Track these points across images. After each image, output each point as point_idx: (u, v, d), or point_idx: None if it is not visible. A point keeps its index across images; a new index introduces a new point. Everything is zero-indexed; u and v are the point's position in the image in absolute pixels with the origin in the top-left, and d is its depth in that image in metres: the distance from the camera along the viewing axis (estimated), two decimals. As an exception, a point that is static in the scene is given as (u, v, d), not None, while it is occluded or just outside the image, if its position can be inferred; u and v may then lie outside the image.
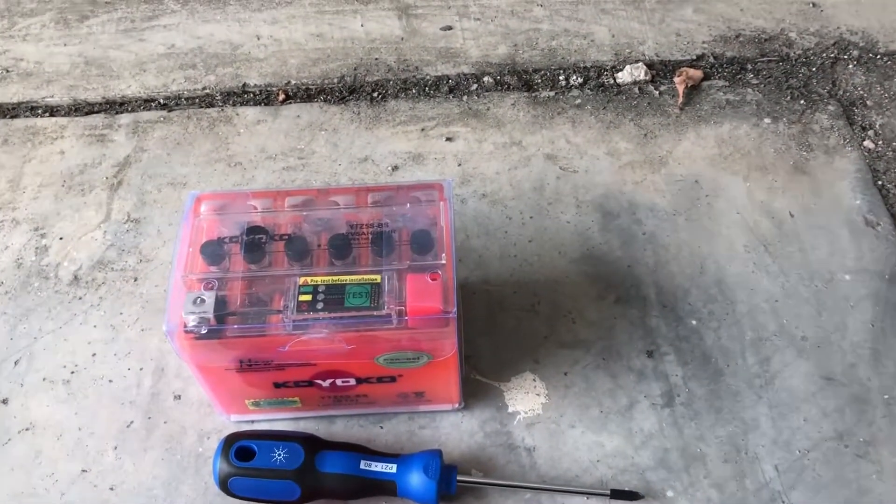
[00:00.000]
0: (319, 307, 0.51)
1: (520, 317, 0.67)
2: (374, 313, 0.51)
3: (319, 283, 0.53)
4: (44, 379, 0.65)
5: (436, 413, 0.62)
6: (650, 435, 0.61)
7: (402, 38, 0.88)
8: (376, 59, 0.86)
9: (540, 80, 0.83)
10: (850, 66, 0.83)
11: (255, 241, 0.55)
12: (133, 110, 0.84)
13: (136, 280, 0.70)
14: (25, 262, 0.72)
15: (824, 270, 0.69)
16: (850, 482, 0.58)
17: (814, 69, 0.83)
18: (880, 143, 0.77)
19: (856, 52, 0.84)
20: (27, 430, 0.62)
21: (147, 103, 0.84)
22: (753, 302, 0.67)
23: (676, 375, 0.63)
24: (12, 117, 0.83)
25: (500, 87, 0.83)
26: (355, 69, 0.85)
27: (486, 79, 0.84)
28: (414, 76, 0.84)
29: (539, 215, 0.73)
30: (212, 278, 0.53)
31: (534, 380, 0.64)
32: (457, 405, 0.62)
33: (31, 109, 0.84)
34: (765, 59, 0.84)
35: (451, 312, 0.51)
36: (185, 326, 0.51)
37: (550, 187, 0.75)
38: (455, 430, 0.61)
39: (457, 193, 0.74)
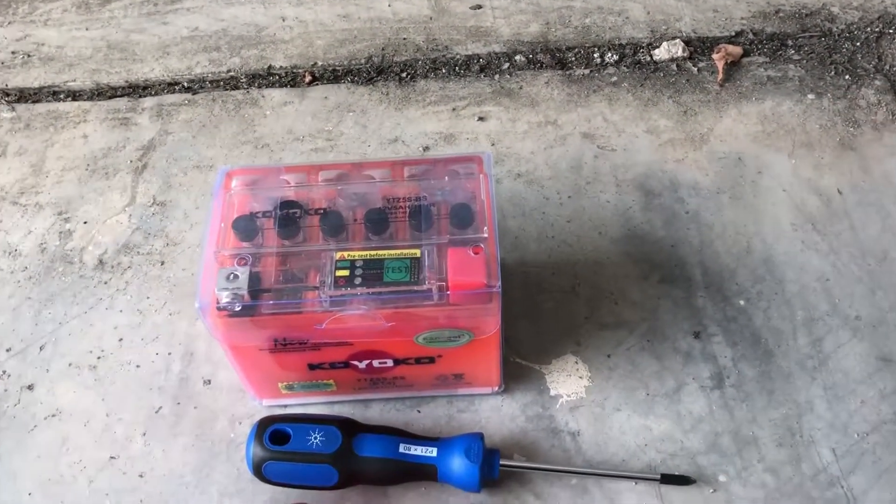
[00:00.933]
0: (357, 282, 0.49)
1: (559, 298, 0.65)
2: (415, 288, 0.49)
3: (357, 258, 0.50)
4: (70, 364, 0.63)
5: (475, 396, 0.60)
6: (700, 418, 0.58)
7: (431, 18, 0.86)
8: (404, 38, 0.84)
9: (574, 58, 0.81)
10: (896, 40, 0.81)
11: (289, 215, 0.52)
12: (157, 94, 0.82)
13: (162, 264, 0.68)
14: (49, 246, 0.70)
15: (877, 248, 0.66)
16: (913, 466, 0.55)
17: (858, 44, 0.80)
18: (931, 117, 0.74)
19: (901, 26, 0.81)
20: (53, 416, 0.60)
21: (171, 86, 0.82)
22: (803, 281, 0.64)
23: (725, 357, 0.61)
24: (34, 102, 0.82)
25: (532, 66, 0.81)
26: (383, 49, 0.83)
27: (517, 57, 0.81)
28: (444, 56, 0.82)
29: (577, 195, 0.70)
30: (245, 254, 0.51)
31: (576, 362, 0.61)
32: (497, 388, 0.60)
33: (54, 94, 0.82)
34: (806, 34, 0.81)
35: (496, 287, 0.49)
36: (218, 303, 0.49)
37: (588, 166, 0.72)
38: (495, 413, 0.59)
39: (492, 174, 0.72)
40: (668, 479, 0.55)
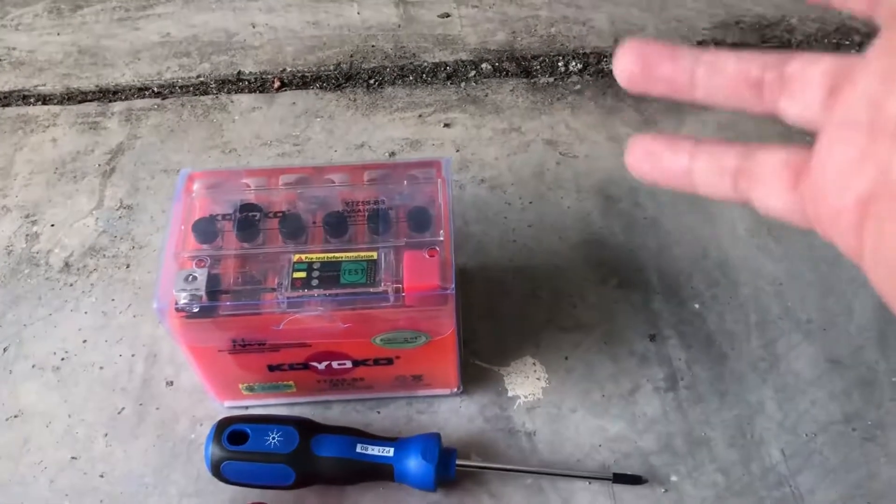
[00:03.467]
0: (314, 284, 0.50)
1: (520, 302, 0.66)
2: (371, 290, 0.50)
3: (314, 260, 0.51)
4: (33, 366, 0.63)
5: (434, 398, 0.61)
6: (654, 419, 0.59)
7: (399, 26, 0.87)
8: (373, 46, 0.85)
9: (539, 67, 0.82)
10: (853, 51, 0.82)
11: (249, 218, 0.53)
12: (127, 98, 0.82)
13: (128, 266, 0.69)
14: (16, 249, 0.70)
15: (829, 254, 0.68)
16: (858, 466, 0.56)
17: (816, 54, 0.82)
18: (884, 127, 0.76)
19: (858, 38, 0.83)
20: (16, 417, 0.61)
21: (141, 91, 0.83)
22: (757, 285, 0.66)
23: (679, 359, 0.62)
24: (4, 105, 0.82)
25: (498, 74, 0.82)
26: (351, 56, 0.84)
27: (484, 65, 0.83)
28: (411, 63, 0.83)
29: (539, 200, 0.72)
30: (204, 256, 0.52)
31: (534, 364, 0.62)
32: (456, 389, 0.61)
33: (24, 98, 0.83)
34: (766, 45, 0.83)
35: (449, 288, 0.50)
36: (176, 304, 0.50)
37: (550, 172, 0.74)
38: (454, 414, 0.60)
39: (455, 179, 0.73)
40: (621, 478, 0.56)
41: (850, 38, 0.84)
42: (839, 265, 0.67)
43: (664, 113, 0.78)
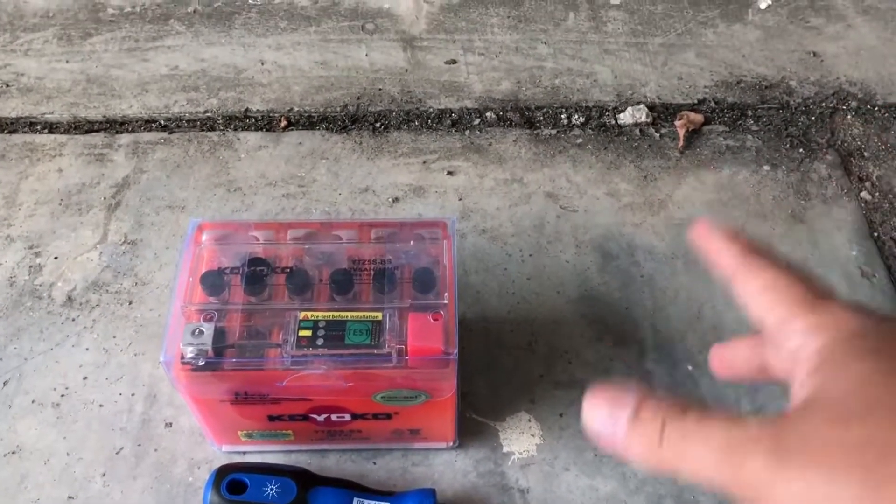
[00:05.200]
0: (319, 343, 0.51)
1: (516, 355, 0.67)
2: (375, 351, 0.51)
3: (320, 318, 0.52)
4: (33, 401, 0.64)
5: (430, 451, 0.62)
6: (644, 480, 0.60)
7: (407, 70, 0.88)
8: (380, 89, 0.86)
9: (542, 118, 0.84)
10: (849, 116, 0.84)
11: (257, 273, 0.54)
12: (133, 130, 0.83)
13: (130, 303, 0.70)
14: (18, 280, 0.71)
15: (820, 320, 0.69)
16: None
17: (813, 118, 0.84)
18: (877, 194, 0.78)
19: (854, 103, 0.85)
20: (13, 453, 0.61)
21: (148, 124, 0.84)
22: (749, 349, 0.67)
23: (671, 421, 0.63)
24: (11, 132, 0.83)
25: (502, 123, 0.83)
26: (358, 99, 0.85)
27: (488, 114, 0.84)
28: (417, 108, 0.85)
29: (538, 253, 0.73)
30: (211, 310, 0.52)
31: (529, 420, 0.63)
32: (451, 443, 0.62)
33: (31, 125, 0.84)
34: (765, 105, 0.85)
35: (453, 354, 0.51)
36: (183, 358, 0.51)
37: (550, 226, 0.75)
38: (449, 468, 0.61)
39: (457, 228, 0.74)
40: (611, 539, 0.57)
41: (846, 102, 0.86)
42: (830, 332, 0.68)
43: (663, 171, 0.79)
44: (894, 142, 0.81)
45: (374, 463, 0.61)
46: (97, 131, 0.83)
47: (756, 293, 0.34)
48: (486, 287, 0.71)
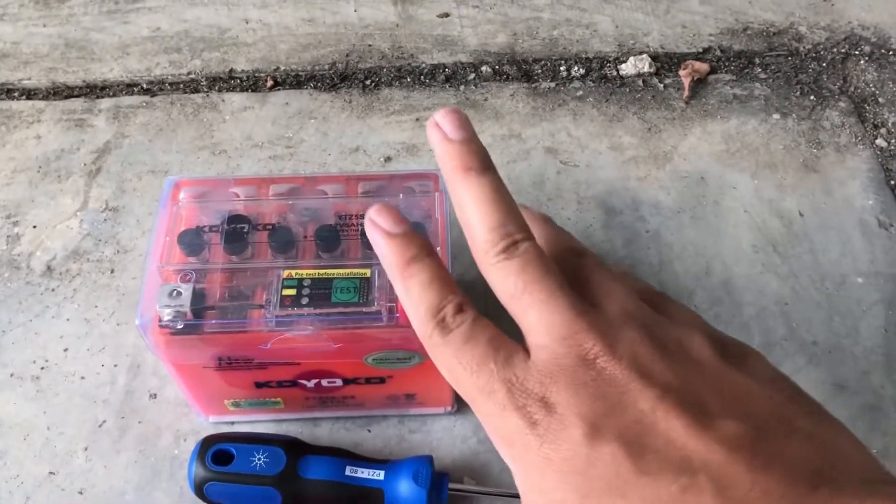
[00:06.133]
0: (304, 302, 0.48)
1: (516, 316, 0.64)
2: (363, 310, 0.48)
3: (305, 276, 0.49)
4: (11, 375, 0.61)
5: (427, 416, 0.59)
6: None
7: (398, 25, 0.84)
8: (370, 45, 0.83)
9: (540, 71, 0.80)
10: (862, 61, 0.80)
11: (237, 230, 0.51)
12: (114, 95, 0.80)
13: (112, 272, 0.67)
14: (-4, 250, 0.68)
15: (836, 273, 0.66)
16: (864, 496, 0.55)
17: (824, 64, 0.80)
18: (893, 141, 0.74)
19: (867, 48, 0.81)
20: (-8, 428, 0.59)
21: (129, 88, 0.80)
22: (762, 304, 0.64)
23: (681, 380, 0.60)
24: (-13, 100, 0.80)
25: (498, 78, 0.80)
26: (347, 56, 0.82)
27: (484, 68, 0.80)
28: (409, 64, 0.81)
29: (540, 210, 0.69)
30: (189, 270, 0.49)
31: (531, 383, 0.60)
32: (450, 408, 0.59)
33: (7, 92, 0.80)
34: (773, 53, 0.81)
35: (446, 309, 0.48)
36: (160, 321, 0.48)
37: (551, 182, 0.71)
38: (447, 434, 0.58)
39: (452, 186, 0.71)
40: None
41: (859, 47, 0.82)
42: (846, 284, 0.65)
43: (668, 122, 0.76)
44: (910, 86, 0.78)
45: (370, 431, 0.58)
46: (77, 96, 0.80)
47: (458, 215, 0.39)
48: (484, 247, 0.67)
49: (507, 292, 0.36)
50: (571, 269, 0.38)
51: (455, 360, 0.35)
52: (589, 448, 0.31)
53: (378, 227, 0.39)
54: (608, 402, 0.32)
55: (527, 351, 0.35)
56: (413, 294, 0.37)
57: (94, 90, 0.80)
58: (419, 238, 0.39)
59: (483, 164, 0.38)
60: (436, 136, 0.38)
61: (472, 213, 0.37)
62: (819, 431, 0.32)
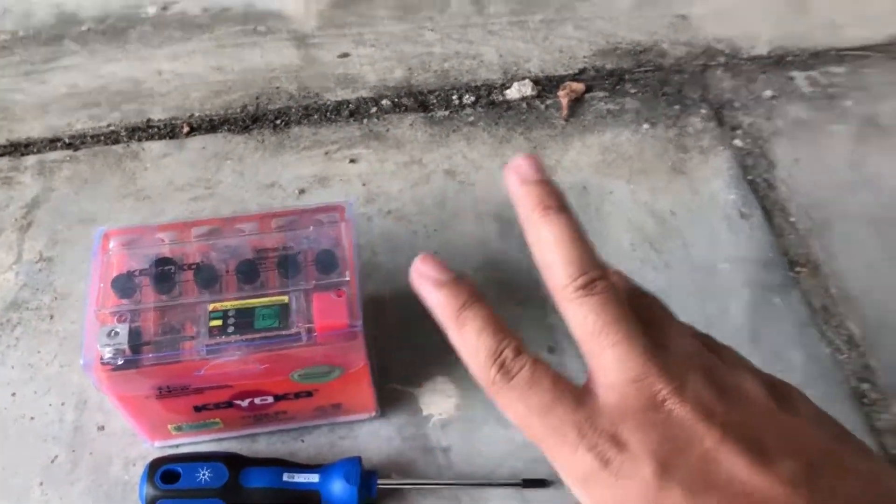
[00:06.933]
0: (231, 331, 0.54)
1: (431, 325, 0.70)
2: (284, 332, 0.54)
3: (229, 307, 0.55)
4: (-37, 423, 0.66)
5: (354, 423, 0.65)
6: (554, 426, 0.65)
7: (301, 67, 0.91)
8: (277, 87, 0.89)
9: (435, 101, 0.88)
10: (719, 71, 0.90)
11: (165, 272, 0.57)
12: (39, 151, 0.85)
13: (52, 318, 0.71)
14: (-63, 309, 0.72)
15: (706, 262, 0.75)
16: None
17: (686, 76, 0.90)
18: (748, 140, 0.84)
19: (722, 59, 0.91)
20: (-51, 474, 0.63)
21: (52, 143, 0.85)
22: (642, 295, 0.72)
23: (575, 368, 0.68)
24: (-87, 166, 0.83)
25: (397, 109, 0.87)
26: (257, 98, 0.88)
27: (384, 101, 0.88)
28: (315, 102, 0.88)
29: (442, 228, 0.77)
30: (124, 311, 0.55)
31: (446, 383, 0.68)
32: (374, 413, 0.65)
33: (-67, 157, 0.84)
34: (641, 69, 0.90)
35: (358, 326, 0.55)
36: (102, 359, 0.53)
37: (451, 201, 0.79)
38: (374, 437, 0.65)
39: (362, 212, 0.78)
40: (529, 482, 0.62)
41: (715, 59, 0.92)
42: (714, 273, 0.74)
43: (551, 139, 0.84)
44: (760, 91, 0.88)
45: (303, 441, 0.65)
46: (2, 156, 0.84)
47: (535, 252, 0.40)
48: (396, 265, 0.75)
49: (584, 329, 0.37)
50: (637, 309, 0.38)
51: (522, 404, 0.36)
52: (658, 485, 0.32)
53: (426, 277, 0.40)
54: (676, 442, 0.33)
55: (590, 391, 0.36)
56: (469, 341, 0.38)
57: (19, 148, 0.85)
58: (467, 285, 0.39)
59: (561, 203, 0.39)
60: (514, 179, 0.39)
61: (551, 249, 0.38)
62: (867, 468, 0.34)
